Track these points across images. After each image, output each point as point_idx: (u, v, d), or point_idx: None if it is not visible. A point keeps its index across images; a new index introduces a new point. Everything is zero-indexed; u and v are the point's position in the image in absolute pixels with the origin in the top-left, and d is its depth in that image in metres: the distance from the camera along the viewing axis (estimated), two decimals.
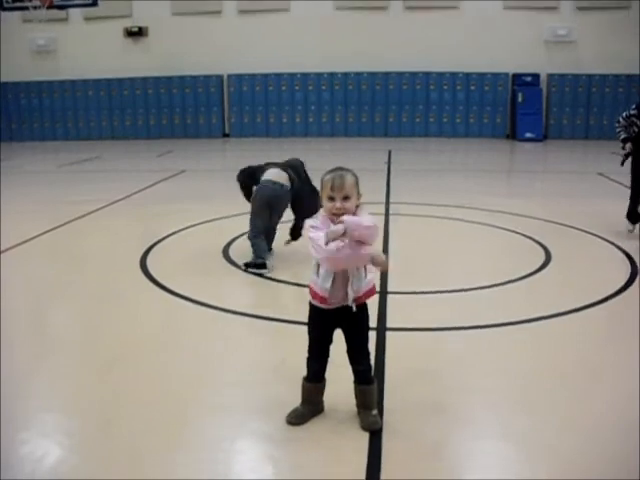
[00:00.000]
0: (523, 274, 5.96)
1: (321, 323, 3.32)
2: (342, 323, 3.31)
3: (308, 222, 3.21)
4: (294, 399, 3.43)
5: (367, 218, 3.14)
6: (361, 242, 3.10)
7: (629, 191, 7.56)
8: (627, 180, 7.69)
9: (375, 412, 3.34)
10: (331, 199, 3.14)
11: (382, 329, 4.63)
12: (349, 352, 3.35)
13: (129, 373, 4.07)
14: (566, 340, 4.59)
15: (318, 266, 3.22)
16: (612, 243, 7.04)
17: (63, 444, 3.28)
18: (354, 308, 3.23)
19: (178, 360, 4.27)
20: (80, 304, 5.49)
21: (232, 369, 4.16)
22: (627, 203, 7.48)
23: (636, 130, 7.07)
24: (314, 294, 3.28)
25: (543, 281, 5.89)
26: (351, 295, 3.20)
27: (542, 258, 6.48)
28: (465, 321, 4.86)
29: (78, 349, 4.53)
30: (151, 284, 5.80)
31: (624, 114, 7.19)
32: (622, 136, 7.15)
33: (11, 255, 6.81)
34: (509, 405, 3.64)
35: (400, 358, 4.18)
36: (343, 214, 3.11)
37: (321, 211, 3.23)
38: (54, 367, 4.22)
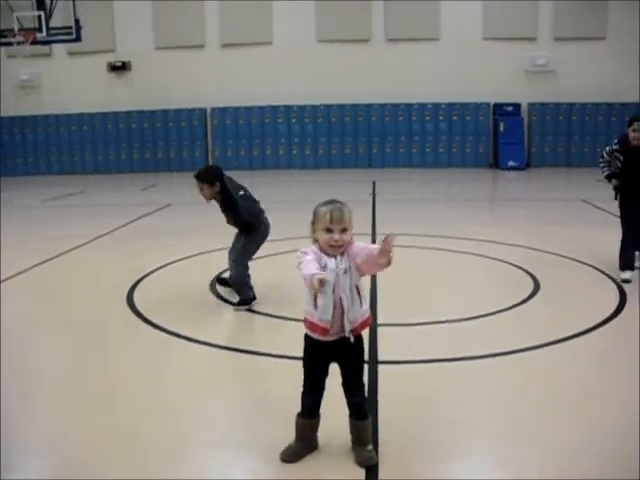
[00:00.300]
0: (512, 303, 5.95)
1: (318, 356, 3.27)
2: (339, 355, 3.27)
3: (301, 249, 3.19)
4: (286, 435, 3.38)
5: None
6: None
7: (615, 218, 7.39)
8: (611, 207, 7.72)
9: (370, 447, 3.30)
10: (329, 231, 3.11)
11: (374, 362, 4.60)
12: (345, 385, 3.30)
13: (116, 411, 4.00)
14: (557, 369, 4.57)
15: (315, 297, 3.17)
16: (600, 270, 7.06)
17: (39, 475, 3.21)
18: (352, 339, 3.19)
19: (166, 397, 4.20)
20: (66, 341, 5.41)
21: (222, 405, 4.10)
22: (614, 233, 7.02)
23: (619, 165, 6.70)
24: (313, 326, 3.22)
25: (532, 310, 5.88)
26: (347, 326, 3.17)
27: (530, 287, 6.49)
28: (456, 352, 4.83)
29: (64, 386, 4.45)
30: (138, 320, 5.74)
31: (607, 149, 6.83)
32: (606, 172, 6.81)
33: None
34: (504, 436, 3.61)
35: (393, 391, 4.14)
36: (341, 246, 3.12)
37: (314, 243, 3.21)
38: (39, 405, 4.14)
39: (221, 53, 19.36)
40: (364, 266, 3.15)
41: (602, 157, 6.85)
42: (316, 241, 3.20)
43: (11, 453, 3.48)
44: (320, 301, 3.16)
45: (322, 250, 3.17)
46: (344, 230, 3.12)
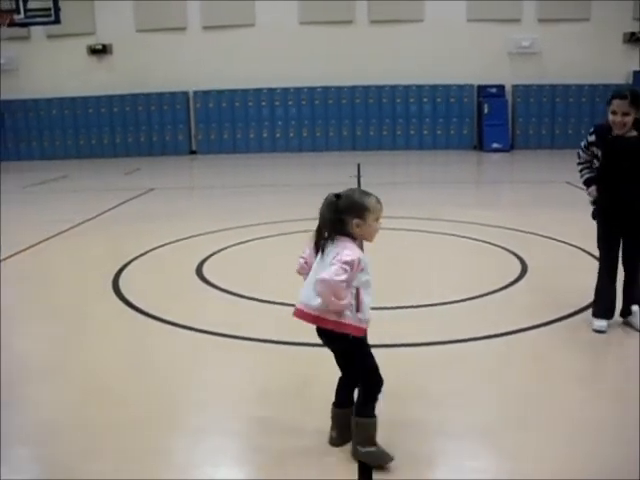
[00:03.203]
0: (501, 285, 5.95)
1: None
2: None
3: (345, 250, 3.03)
4: (277, 421, 3.35)
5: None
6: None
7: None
8: None
9: (364, 450, 3.16)
10: (378, 220, 3.14)
11: None
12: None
13: (105, 398, 3.95)
14: (549, 350, 4.57)
15: (358, 298, 3.07)
16: (587, 252, 7.06)
17: (39, 476, 3.16)
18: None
19: (156, 384, 4.16)
20: (51, 328, 5.34)
21: (211, 392, 4.06)
22: None
23: (596, 164, 4.83)
24: (359, 330, 3.13)
25: (521, 292, 5.88)
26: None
27: (518, 269, 6.48)
28: (445, 335, 4.82)
29: (51, 375, 4.39)
30: (124, 306, 5.68)
31: (583, 144, 4.93)
32: (585, 176, 4.96)
33: None
34: (498, 420, 3.59)
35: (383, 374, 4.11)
36: None
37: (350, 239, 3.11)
38: (26, 395, 4.08)
39: (203, 35, 19.15)
40: None
41: (579, 155, 4.99)
42: (348, 236, 3.09)
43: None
44: (367, 299, 3.10)
45: (357, 245, 3.13)
46: None
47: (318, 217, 3.11)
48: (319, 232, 3.13)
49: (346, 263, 2.95)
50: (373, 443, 3.14)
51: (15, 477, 2.89)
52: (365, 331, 3.17)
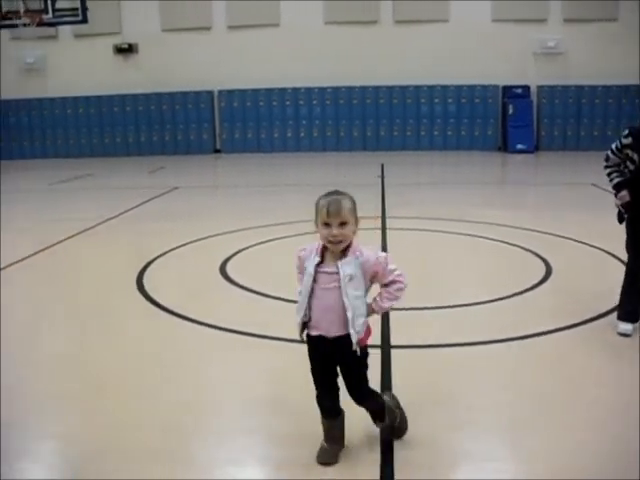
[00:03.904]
0: (525, 287, 5.91)
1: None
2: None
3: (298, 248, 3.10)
4: (299, 427, 3.36)
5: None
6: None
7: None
8: None
9: (380, 424, 3.31)
10: (326, 225, 2.93)
11: (387, 346, 4.57)
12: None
13: (128, 396, 3.99)
14: (573, 353, 4.53)
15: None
16: (611, 254, 6.99)
17: (57, 472, 3.19)
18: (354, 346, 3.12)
19: (178, 382, 4.18)
20: (77, 325, 5.40)
21: (234, 391, 4.08)
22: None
23: (632, 168, 4.66)
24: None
25: (546, 294, 5.84)
26: (354, 337, 3.09)
27: (542, 271, 6.44)
28: (469, 337, 4.80)
29: (76, 371, 4.44)
30: (148, 303, 5.72)
31: (614, 146, 4.74)
32: (615, 180, 4.76)
33: (5, 275, 6.71)
34: (519, 422, 3.58)
35: (403, 376, 4.11)
36: (341, 242, 2.95)
37: (317, 239, 3.05)
38: (50, 391, 4.12)
39: (228, 35, 19.23)
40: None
41: (607, 158, 4.79)
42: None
43: (16, 439, 3.47)
44: (298, 300, 3.11)
45: (324, 247, 3.03)
46: (343, 224, 2.93)
47: None
48: None
49: None
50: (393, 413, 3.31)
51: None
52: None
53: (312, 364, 3.17)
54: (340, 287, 2.96)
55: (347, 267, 2.97)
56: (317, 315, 3.03)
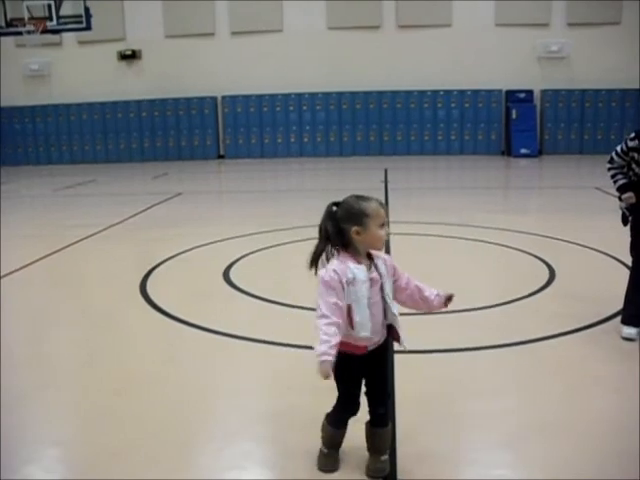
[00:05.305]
0: (528, 292, 5.90)
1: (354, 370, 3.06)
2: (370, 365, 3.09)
3: (322, 276, 2.87)
4: (301, 428, 3.35)
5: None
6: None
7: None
8: None
9: (385, 457, 3.09)
10: (382, 226, 2.88)
11: (390, 352, 4.55)
12: (370, 394, 3.11)
13: (132, 402, 3.98)
14: (577, 358, 4.52)
15: (349, 315, 2.91)
16: (615, 258, 6.98)
17: (65, 477, 3.19)
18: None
19: (182, 388, 4.18)
20: (80, 331, 5.40)
21: (237, 397, 4.07)
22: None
23: (637, 171, 4.65)
24: (350, 347, 2.96)
25: (549, 299, 5.82)
26: (402, 334, 3.09)
27: (546, 275, 6.42)
28: (472, 342, 4.78)
29: (79, 377, 4.44)
30: (152, 310, 5.72)
31: (619, 148, 4.70)
32: (619, 182, 4.74)
33: (9, 281, 6.72)
34: (525, 427, 3.56)
35: (408, 381, 4.10)
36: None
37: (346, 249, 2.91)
38: (54, 397, 4.12)
39: (231, 41, 19.29)
40: (404, 296, 3.07)
41: (611, 160, 4.77)
42: (341, 247, 2.90)
43: (25, 444, 3.47)
44: (356, 318, 2.86)
45: (352, 256, 2.90)
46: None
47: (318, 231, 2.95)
48: (319, 247, 2.93)
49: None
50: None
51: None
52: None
53: (352, 382, 3.02)
54: (381, 289, 2.94)
55: (382, 266, 2.97)
56: (373, 324, 2.92)
